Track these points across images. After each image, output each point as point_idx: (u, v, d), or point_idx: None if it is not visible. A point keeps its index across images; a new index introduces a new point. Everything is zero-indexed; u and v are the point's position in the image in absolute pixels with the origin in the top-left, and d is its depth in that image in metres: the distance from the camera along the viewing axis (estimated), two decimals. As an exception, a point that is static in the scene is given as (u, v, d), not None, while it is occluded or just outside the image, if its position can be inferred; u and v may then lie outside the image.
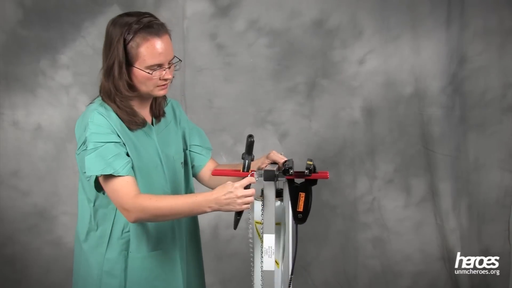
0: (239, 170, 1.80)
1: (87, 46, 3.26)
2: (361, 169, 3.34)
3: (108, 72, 1.80)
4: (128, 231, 1.86)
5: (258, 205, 1.82)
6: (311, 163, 1.73)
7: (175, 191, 1.94)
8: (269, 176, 1.72)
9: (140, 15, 1.82)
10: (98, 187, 1.81)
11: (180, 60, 1.86)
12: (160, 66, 1.79)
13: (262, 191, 1.76)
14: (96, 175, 1.76)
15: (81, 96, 3.29)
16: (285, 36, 3.29)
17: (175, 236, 1.93)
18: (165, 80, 1.82)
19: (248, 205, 1.73)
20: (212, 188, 2.03)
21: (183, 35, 3.25)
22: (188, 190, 2.03)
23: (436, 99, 3.26)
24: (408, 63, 3.27)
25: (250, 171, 1.77)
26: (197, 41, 3.28)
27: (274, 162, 1.88)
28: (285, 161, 1.84)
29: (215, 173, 1.93)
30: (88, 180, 1.81)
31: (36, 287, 3.35)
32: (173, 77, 1.87)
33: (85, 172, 1.79)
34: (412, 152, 3.32)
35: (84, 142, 1.79)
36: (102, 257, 1.87)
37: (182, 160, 2.00)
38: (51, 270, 3.34)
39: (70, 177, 3.28)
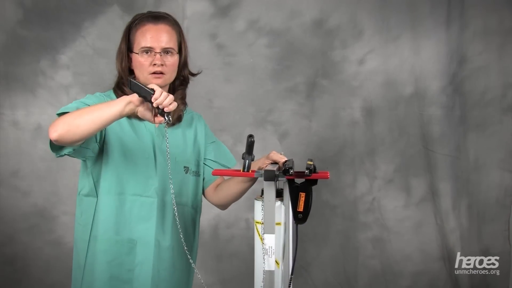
0: (240, 170, 1.80)
1: (87, 46, 3.26)
2: (361, 169, 3.34)
3: (116, 58, 1.92)
4: (103, 216, 1.88)
5: (258, 205, 1.82)
6: (311, 163, 1.73)
7: (162, 188, 1.93)
8: (269, 176, 1.71)
9: (155, 12, 1.94)
10: (54, 148, 1.80)
11: (178, 53, 1.93)
12: (150, 50, 1.86)
13: (262, 191, 1.76)
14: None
15: (81, 96, 3.24)
16: (285, 36, 3.29)
17: (152, 231, 1.91)
18: (156, 65, 1.86)
19: (168, 103, 1.66)
20: (215, 202, 2.07)
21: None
22: (196, 200, 2.03)
23: (436, 99, 3.26)
24: (408, 63, 3.27)
25: (250, 171, 1.77)
26: (197, 41, 3.28)
27: (274, 162, 1.88)
28: (285, 161, 1.84)
29: (216, 173, 1.93)
30: None
31: (36, 286, 3.35)
32: (186, 78, 2.03)
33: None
34: (412, 152, 3.32)
35: None
36: (86, 244, 1.91)
37: (190, 167, 2.00)
38: (51, 270, 3.34)
39: (70, 177, 3.27)
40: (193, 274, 2.08)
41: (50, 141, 1.73)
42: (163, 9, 3.20)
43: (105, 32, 3.23)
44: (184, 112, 2.03)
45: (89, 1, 3.25)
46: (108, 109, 1.68)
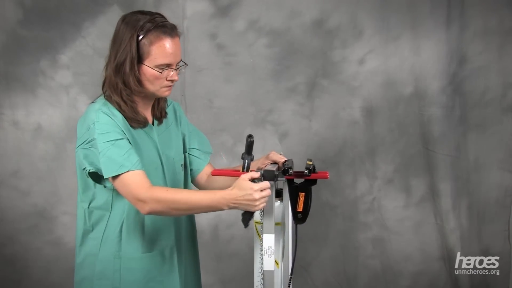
0: (239, 170, 1.80)
1: (87, 46, 3.26)
2: (361, 169, 3.34)
3: (118, 67, 1.80)
4: (121, 232, 1.86)
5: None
6: (310, 163, 1.74)
7: None
8: (269, 176, 1.72)
9: (152, 14, 1.85)
10: (96, 178, 1.82)
11: (186, 64, 1.88)
12: (168, 66, 1.81)
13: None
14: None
15: (81, 96, 3.29)
16: (285, 36, 3.29)
17: (172, 237, 1.93)
18: (171, 81, 1.84)
19: (264, 201, 1.72)
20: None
21: (183, 35, 3.24)
22: None
23: (436, 99, 3.26)
24: (408, 63, 3.27)
25: (250, 171, 1.77)
26: (197, 41, 3.28)
27: (274, 162, 1.88)
28: (285, 161, 1.84)
29: (215, 173, 1.93)
30: (84, 170, 1.81)
31: (36, 287, 3.35)
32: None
33: (84, 169, 1.80)
34: (412, 152, 3.32)
35: (89, 141, 1.79)
36: (95, 258, 1.87)
37: (182, 162, 2.00)
38: (51, 270, 3.34)
39: (70, 177, 3.27)
40: (200, 270, 2.10)
41: (90, 173, 1.80)
42: (163, 9, 3.22)
43: (105, 32, 3.21)
44: (167, 105, 2.02)
45: (89, 1, 3.25)
46: (207, 209, 1.75)
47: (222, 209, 1.72)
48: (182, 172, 2.00)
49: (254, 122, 3.34)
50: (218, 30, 3.29)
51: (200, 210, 1.76)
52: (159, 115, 1.95)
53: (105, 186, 1.83)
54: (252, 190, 1.67)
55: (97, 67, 1.87)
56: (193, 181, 2.08)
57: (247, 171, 1.76)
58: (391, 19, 3.25)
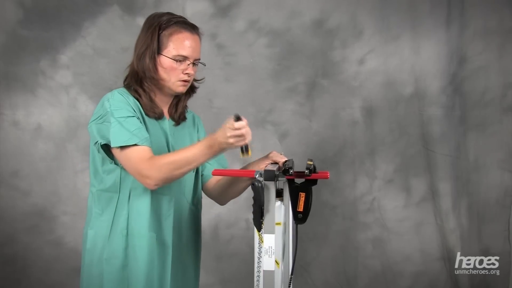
0: (239, 170, 1.80)
1: (87, 46, 3.26)
2: (361, 169, 3.34)
3: (139, 57, 1.90)
4: (128, 212, 1.88)
5: (258, 205, 1.81)
6: (311, 163, 1.74)
7: (178, 189, 1.96)
8: (269, 176, 1.72)
9: (176, 15, 1.96)
10: (108, 153, 1.87)
11: (204, 64, 1.95)
12: (185, 59, 1.90)
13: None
14: (114, 146, 1.82)
15: (81, 96, 3.29)
16: (285, 36, 3.29)
17: (170, 228, 1.93)
18: (187, 75, 1.91)
19: (241, 138, 1.73)
20: (213, 198, 2.10)
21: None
22: (196, 197, 2.05)
23: (436, 99, 3.27)
24: (408, 63, 3.27)
25: (249, 152, 1.77)
26: (197, 41, 3.27)
27: (274, 162, 1.88)
28: (285, 161, 1.84)
29: (216, 172, 1.93)
30: (95, 144, 1.86)
31: (36, 286, 3.35)
32: (198, 87, 2.01)
33: (96, 143, 1.85)
34: (412, 152, 3.32)
35: (102, 116, 1.85)
36: (105, 239, 1.89)
37: None
38: (51, 270, 3.34)
39: (70, 177, 3.28)
40: (199, 273, 2.10)
41: (104, 148, 1.85)
42: (163, 9, 3.19)
43: (105, 32, 3.23)
44: (186, 112, 2.07)
45: (89, 1, 3.25)
46: (204, 155, 1.79)
47: (214, 150, 1.77)
48: (193, 174, 2.02)
49: (254, 122, 3.34)
50: (218, 30, 3.29)
51: (197, 161, 1.80)
52: (177, 117, 2.00)
53: (111, 162, 1.88)
54: (226, 127, 1.72)
55: (97, 67, 1.89)
56: (203, 187, 2.10)
57: (246, 151, 1.77)
58: (391, 19, 3.26)
